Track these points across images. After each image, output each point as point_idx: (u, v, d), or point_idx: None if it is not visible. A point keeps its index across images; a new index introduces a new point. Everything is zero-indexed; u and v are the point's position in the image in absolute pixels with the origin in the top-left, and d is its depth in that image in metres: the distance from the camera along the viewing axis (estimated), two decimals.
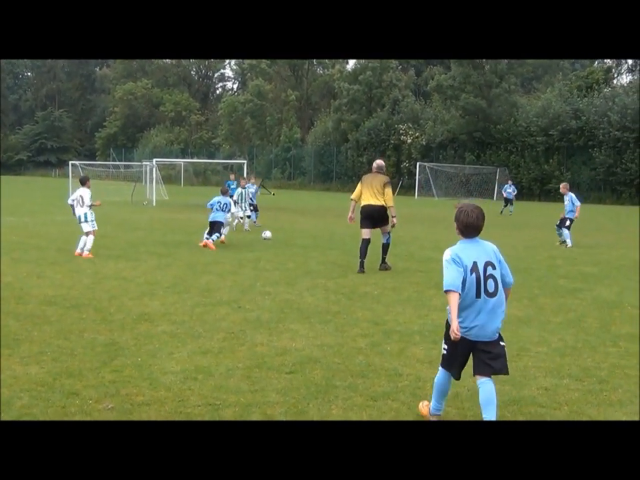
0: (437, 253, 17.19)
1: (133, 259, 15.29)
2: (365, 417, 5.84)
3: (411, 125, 66.17)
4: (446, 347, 5.70)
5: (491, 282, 5.48)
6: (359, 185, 14.26)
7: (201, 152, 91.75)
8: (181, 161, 64.69)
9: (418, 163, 60.44)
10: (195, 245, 18.09)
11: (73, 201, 15.80)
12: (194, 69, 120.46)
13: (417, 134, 65.42)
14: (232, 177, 28.03)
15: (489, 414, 5.43)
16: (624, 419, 5.88)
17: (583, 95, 59.14)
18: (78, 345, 7.99)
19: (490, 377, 5.52)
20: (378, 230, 14.32)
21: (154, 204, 38.62)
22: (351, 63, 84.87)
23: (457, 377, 5.73)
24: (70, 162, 50.36)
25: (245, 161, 47.70)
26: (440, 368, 5.80)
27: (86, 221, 15.49)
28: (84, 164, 53.88)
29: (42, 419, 5.63)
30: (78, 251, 15.46)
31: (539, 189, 56.03)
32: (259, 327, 9.03)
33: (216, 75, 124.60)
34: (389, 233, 14.34)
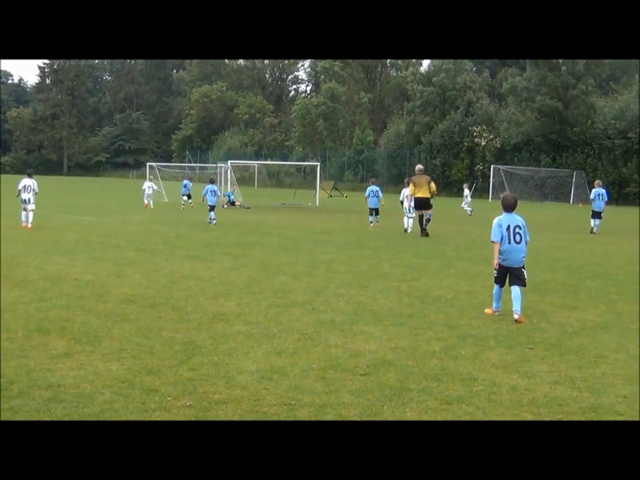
0: None
1: (208, 259, 15.55)
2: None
3: (485, 127, 65.37)
4: (495, 272, 10.13)
5: (517, 236, 9.95)
6: (411, 185, 22.31)
7: (274, 154, 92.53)
8: (255, 163, 65.35)
9: (492, 166, 59.56)
10: (268, 246, 18.29)
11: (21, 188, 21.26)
12: (268, 72, 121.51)
13: (491, 136, 64.57)
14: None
15: (516, 305, 9.71)
16: None
17: None
18: (156, 342, 8.18)
19: (518, 285, 9.84)
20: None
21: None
22: (425, 64, 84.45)
23: (502, 285, 10.07)
24: (147, 163, 51.29)
25: (318, 163, 47.91)
26: (494, 284, 10.17)
27: (31, 202, 21.21)
28: (160, 165, 54.87)
29: (123, 414, 5.80)
30: (27, 224, 21.04)
31: (616, 193, 54.52)
32: (333, 329, 9.09)
33: (289, 78, 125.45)
34: (430, 213, 22.37)
